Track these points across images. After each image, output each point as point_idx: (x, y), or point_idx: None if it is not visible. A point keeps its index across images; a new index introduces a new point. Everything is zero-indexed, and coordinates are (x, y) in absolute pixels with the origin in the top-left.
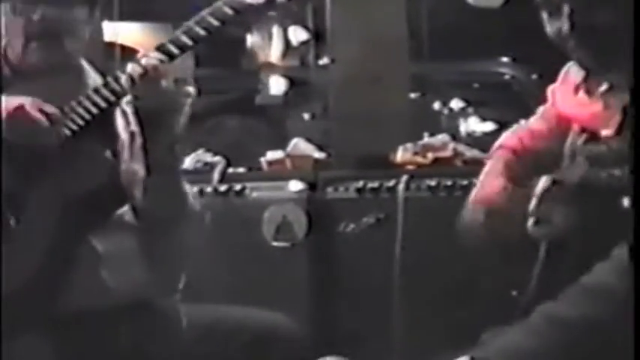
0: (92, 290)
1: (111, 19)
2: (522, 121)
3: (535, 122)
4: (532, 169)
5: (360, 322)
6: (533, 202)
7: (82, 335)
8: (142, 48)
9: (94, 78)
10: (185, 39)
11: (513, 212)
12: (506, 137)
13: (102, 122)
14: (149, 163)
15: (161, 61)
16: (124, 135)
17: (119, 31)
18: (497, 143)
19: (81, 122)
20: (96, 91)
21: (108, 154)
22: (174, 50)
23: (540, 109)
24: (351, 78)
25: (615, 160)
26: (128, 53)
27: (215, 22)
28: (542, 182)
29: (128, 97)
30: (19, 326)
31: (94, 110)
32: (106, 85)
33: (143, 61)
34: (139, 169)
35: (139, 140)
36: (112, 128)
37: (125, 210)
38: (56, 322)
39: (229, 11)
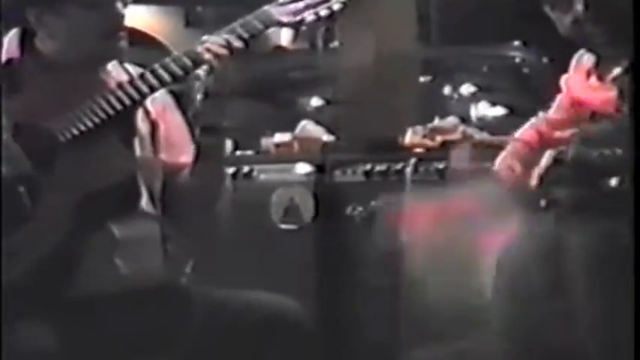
0: (104, 276)
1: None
2: (540, 114)
3: (552, 113)
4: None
5: (367, 305)
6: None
7: (91, 319)
8: (152, 32)
9: (116, 70)
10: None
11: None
12: (524, 131)
13: (122, 116)
14: (199, 149)
15: None
16: (143, 126)
17: (129, 15)
18: (514, 135)
19: (104, 117)
20: (121, 87)
21: (126, 146)
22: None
23: (556, 100)
24: (360, 61)
25: (607, 140)
26: (138, 37)
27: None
28: (545, 159)
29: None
30: (28, 309)
31: (118, 106)
32: (131, 82)
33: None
34: (171, 156)
35: (163, 128)
36: (131, 121)
37: (144, 200)
38: (65, 306)
39: (260, 25)
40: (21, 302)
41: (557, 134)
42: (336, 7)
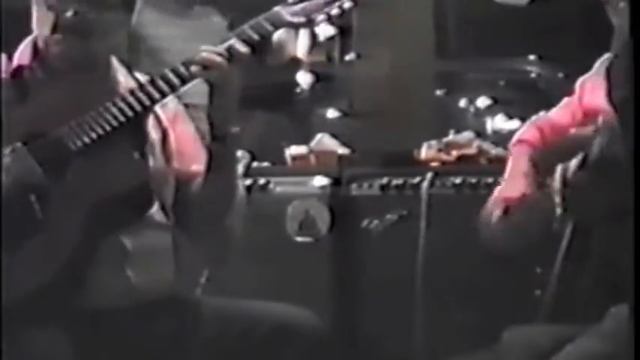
0: (115, 287)
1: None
2: (541, 113)
3: (557, 114)
4: (555, 161)
5: (382, 319)
6: (557, 191)
7: (102, 331)
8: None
9: (125, 78)
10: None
11: (535, 212)
12: (525, 130)
13: (133, 123)
14: (212, 157)
15: None
16: (154, 134)
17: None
18: (515, 137)
19: (114, 124)
20: (132, 93)
21: (137, 155)
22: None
23: (564, 101)
24: (376, 74)
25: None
26: None
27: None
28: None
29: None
30: (40, 320)
31: (129, 113)
32: (141, 87)
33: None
34: (183, 165)
35: (174, 136)
36: (142, 129)
37: (155, 209)
38: (76, 318)
39: (270, 27)
40: (31, 312)
41: (560, 137)
42: (346, 5)
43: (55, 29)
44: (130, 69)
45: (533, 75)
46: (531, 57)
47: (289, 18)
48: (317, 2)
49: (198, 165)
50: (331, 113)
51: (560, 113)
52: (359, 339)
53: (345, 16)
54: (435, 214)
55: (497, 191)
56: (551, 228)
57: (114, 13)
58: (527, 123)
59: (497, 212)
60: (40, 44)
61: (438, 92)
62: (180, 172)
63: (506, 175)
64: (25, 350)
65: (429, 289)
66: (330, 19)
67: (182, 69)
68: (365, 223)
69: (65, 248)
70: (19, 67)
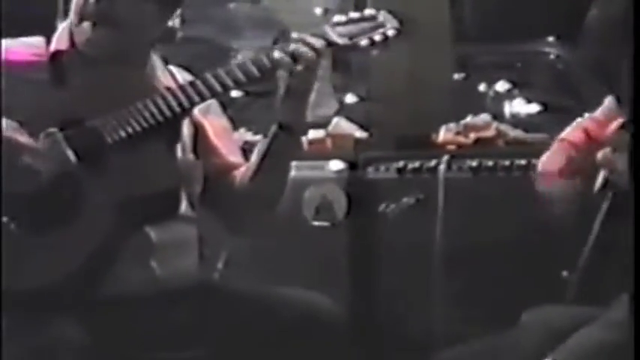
0: (139, 279)
1: None
2: (586, 114)
3: (599, 114)
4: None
5: (399, 303)
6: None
7: (124, 319)
8: None
9: (164, 75)
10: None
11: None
12: (570, 132)
13: (169, 122)
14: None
15: None
16: (186, 130)
17: None
18: (560, 136)
19: (152, 122)
20: (172, 93)
21: (171, 153)
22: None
23: (605, 101)
24: (392, 58)
25: None
26: None
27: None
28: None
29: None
30: (64, 308)
31: (168, 113)
32: (182, 89)
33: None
34: (217, 158)
35: (207, 130)
36: (177, 128)
37: (183, 204)
38: (98, 307)
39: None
40: (56, 299)
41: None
42: (390, 32)
43: (82, 17)
44: (166, 65)
45: (552, 56)
46: (550, 38)
47: (334, 38)
48: (362, 26)
49: (235, 157)
50: (349, 97)
51: (602, 112)
52: (376, 323)
53: (361, 1)
54: (451, 197)
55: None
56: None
57: (152, 5)
58: (572, 125)
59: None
60: (73, 30)
61: (457, 76)
62: (216, 165)
63: (540, 165)
64: (48, 336)
65: (446, 273)
66: (373, 45)
67: (223, 74)
68: (382, 206)
69: (92, 239)
70: (57, 52)
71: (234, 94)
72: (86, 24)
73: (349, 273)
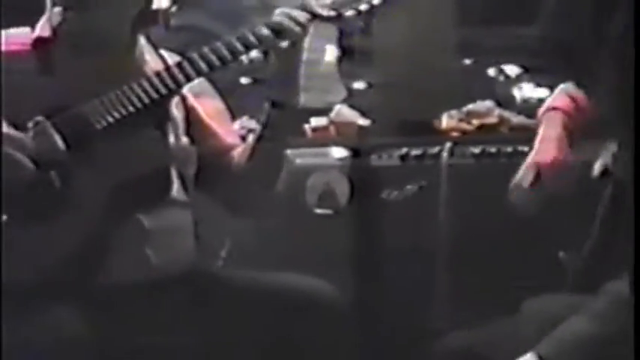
0: (135, 266)
1: None
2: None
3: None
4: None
5: (402, 290)
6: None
7: (121, 306)
8: None
9: (152, 57)
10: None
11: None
12: (556, 98)
13: (156, 104)
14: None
15: None
16: (177, 113)
17: None
18: (546, 105)
19: (139, 105)
20: (158, 74)
21: (159, 135)
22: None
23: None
24: (396, 43)
25: None
26: None
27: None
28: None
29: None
30: (59, 296)
31: (154, 95)
32: (168, 70)
33: None
34: (212, 140)
35: (201, 112)
36: (165, 109)
37: (175, 188)
38: (94, 294)
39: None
40: (49, 288)
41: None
42: (375, 1)
43: (54, 2)
44: (156, 49)
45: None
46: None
47: (319, 10)
48: None
49: (232, 138)
50: (351, 84)
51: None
52: (379, 310)
53: None
54: (454, 184)
55: (529, 157)
56: (584, 194)
57: None
58: (557, 91)
59: (529, 178)
60: (50, 17)
61: (467, 61)
62: (214, 146)
63: (538, 140)
64: (43, 325)
65: (449, 260)
66: (359, 14)
67: (210, 54)
68: (385, 193)
69: (84, 226)
70: (40, 40)
71: (243, 80)
72: (57, 9)
73: (352, 260)
